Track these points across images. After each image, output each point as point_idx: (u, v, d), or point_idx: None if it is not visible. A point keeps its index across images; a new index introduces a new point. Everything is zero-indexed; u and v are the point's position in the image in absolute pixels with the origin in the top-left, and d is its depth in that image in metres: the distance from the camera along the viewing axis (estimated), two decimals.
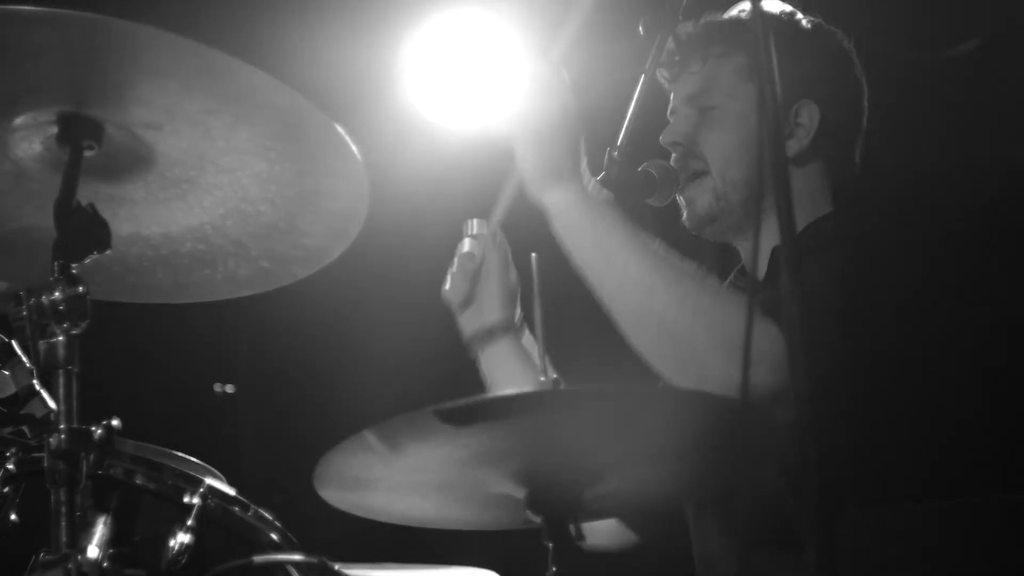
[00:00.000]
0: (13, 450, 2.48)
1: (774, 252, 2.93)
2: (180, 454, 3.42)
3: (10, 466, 2.45)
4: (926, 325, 2.70)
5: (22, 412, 2.60)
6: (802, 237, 2.91)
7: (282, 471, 2.69)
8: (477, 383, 3.29)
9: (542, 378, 2.36)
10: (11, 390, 2.65)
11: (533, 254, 2.54)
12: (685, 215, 3.08)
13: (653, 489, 2.48)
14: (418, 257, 4.82)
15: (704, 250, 3.20)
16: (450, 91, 4.86)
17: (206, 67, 2.23)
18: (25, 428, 2.60)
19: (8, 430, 2.60)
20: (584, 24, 2.85)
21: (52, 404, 2.57)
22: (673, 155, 3.08)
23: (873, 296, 2.69)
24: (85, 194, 2.36)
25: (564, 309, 2.67)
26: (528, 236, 2.91)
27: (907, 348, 2.67)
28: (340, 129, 2.29)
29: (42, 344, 2.29)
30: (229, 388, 5.33)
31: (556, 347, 2.47)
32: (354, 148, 2.33)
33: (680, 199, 3.08)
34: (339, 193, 2.43)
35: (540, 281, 2.48)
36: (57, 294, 2.28)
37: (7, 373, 2.62)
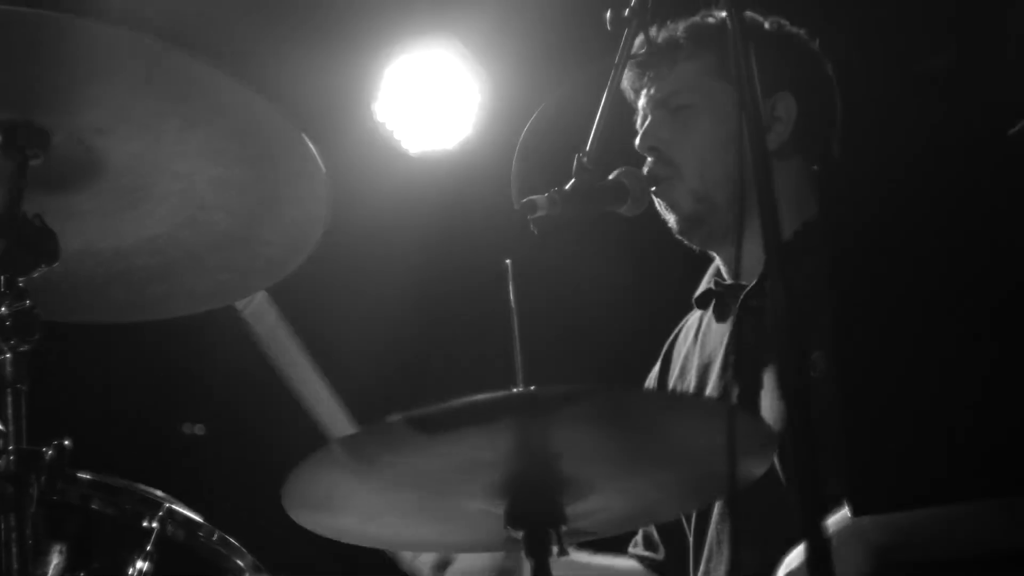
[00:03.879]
0: None
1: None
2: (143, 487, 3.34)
3: None
4: (921, 327, 2.61)
5: None
6: (795, 241, 2.86)
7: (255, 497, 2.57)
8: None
9: (518, 387, 2.24)
10: None
11: (507, 260, 2.43)
12: (672, 220, 3.00)
13: (641, 501, 2.36)
14: (384, 269, 4.83)
15: (674, 259, 3.13)
16: (417, 116, 4.89)
17: (154, 64, 2.12)
18: None
19: None
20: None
21: None
22: (648, 160, 3.01)
23: (867, 301, 2.62)
24: (32, 206, 2.25)
25: (539, 316, 2.56)
26: (501, 241, 2.79)
27: (900, 351, 2.59)
28: (297, 129, 2.18)
29: None
30: (199, 429, 5.17)
31: (532, 356, 2.36)
32: (312, 149, 2.22)
33: (660, 206, 3.00)
34: (298, 198, 2.32)
35: (515, 287, 2.38)
36: (3, 309, 2.16)
37: None
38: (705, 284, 3.12)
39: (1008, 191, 2.57)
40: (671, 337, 3.25)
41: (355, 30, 4.90)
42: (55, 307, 2.47)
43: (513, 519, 2.18)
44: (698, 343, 3.12)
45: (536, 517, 2.18)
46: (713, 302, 3.07)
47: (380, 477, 2.15)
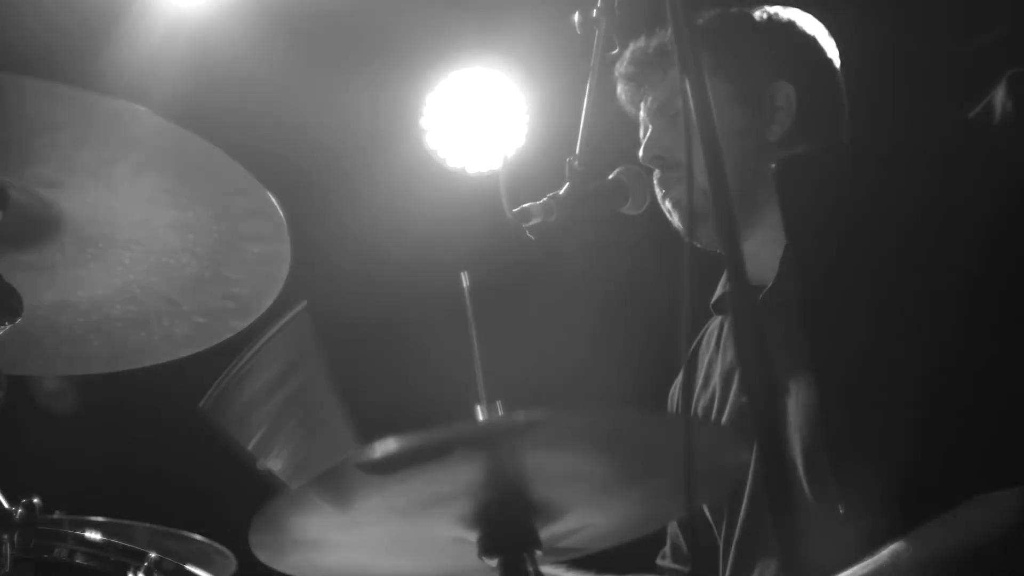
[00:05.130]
0: None
1: (787, 250, 2.77)
2: (188, 534, 3.33)
3: None
4: (901, 332, 2.51)
5: None
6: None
7: None
8: None
9: (481, 408, 2.17)
10: None
11: (463, 272, 2.36)
12: (676, 219, 2.93)
13: (622, 515, 2.29)
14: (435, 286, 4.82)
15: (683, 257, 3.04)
16: (463, 138, 4.87)
17: (91, 114, 2.10)
18: None
19: None
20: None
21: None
22: (656, 171, 2.93)
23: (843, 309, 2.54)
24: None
25: (499, 330, 2.49)
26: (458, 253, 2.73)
27: (882, 354, 2.49)
28: (240, 166, 2.15)
29: None
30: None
31: (494, 371, 2.29)
32: (262, 186, 2.18)
33: (666, 205, 2.92)
34: (258, 236, 2.28)
35: (472, 301, 2.31)
36: None
37: None
38: (721, 287, 3.03)
39: (985, 190, 2.47)
40: (694, 344, 3.16)
41: (401, 54, 4.90)
42: (39, 362, 2.48)
43: (486, 548, 2.12)
44: (720, 349, 3.03)
45: (509, 544, 2.12)
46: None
47: (347, 515, 2.10)
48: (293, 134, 5.02)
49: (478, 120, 4.86)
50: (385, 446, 1.93)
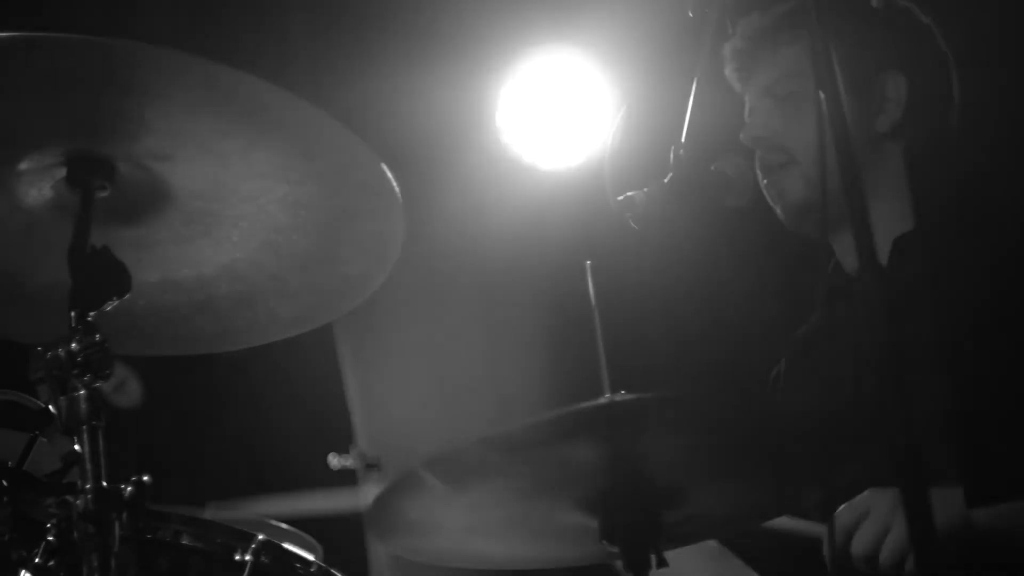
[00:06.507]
0: (54, 521, 2.30)
1: (896, 243, 2.72)
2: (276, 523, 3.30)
3: (51, 538, 2.27)
4: None
5: (65, 481, 2.44)
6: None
7: None
8: None
9: (606, 396, 2.13)
10: (57, 463, 2.49)
11: (588, 261, 2.32)
12: (779, 209, 2.87)
13: (739, 505, 2.24)
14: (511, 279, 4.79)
15: (787, 249, 2.98)
16: (542, 131, 4.80)
17: (210, 85, 2.06)
18: (69, 498, 2.44)
19: (51, 500, 2.43)
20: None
21: None
22: (757, 152, 2.87)
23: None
24: (104, 239, 2.20)
25: (622, 319, 2.44)
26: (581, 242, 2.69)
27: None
28: (362, 141, 2.10)
29: (63, 400, 2.11)
30: (347, 461, 5.11)
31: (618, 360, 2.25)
32: (381, 162, 2.13)
33: (769, 194, 2.86)
34: (371, 212, 2.23)
35: (596, 290, 2.27)
36: (74, 345, 2.10)
37: (44, 440, 2.47)
38: (826, 279, 2.96)
39: None
40: (803, 331, 3.09)
41: (477, 47, 4.86)
42: (141, 342, 2.44)
43: (608, 532, 2.08)
44: (831, 338, 2.97)
45: (631, 529, 2.08)
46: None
47: (468, 498, 2.07)
48: (372, 129, 4.99)
49: (559, 113, 4.78)
50: (509, 423, 1.90)
